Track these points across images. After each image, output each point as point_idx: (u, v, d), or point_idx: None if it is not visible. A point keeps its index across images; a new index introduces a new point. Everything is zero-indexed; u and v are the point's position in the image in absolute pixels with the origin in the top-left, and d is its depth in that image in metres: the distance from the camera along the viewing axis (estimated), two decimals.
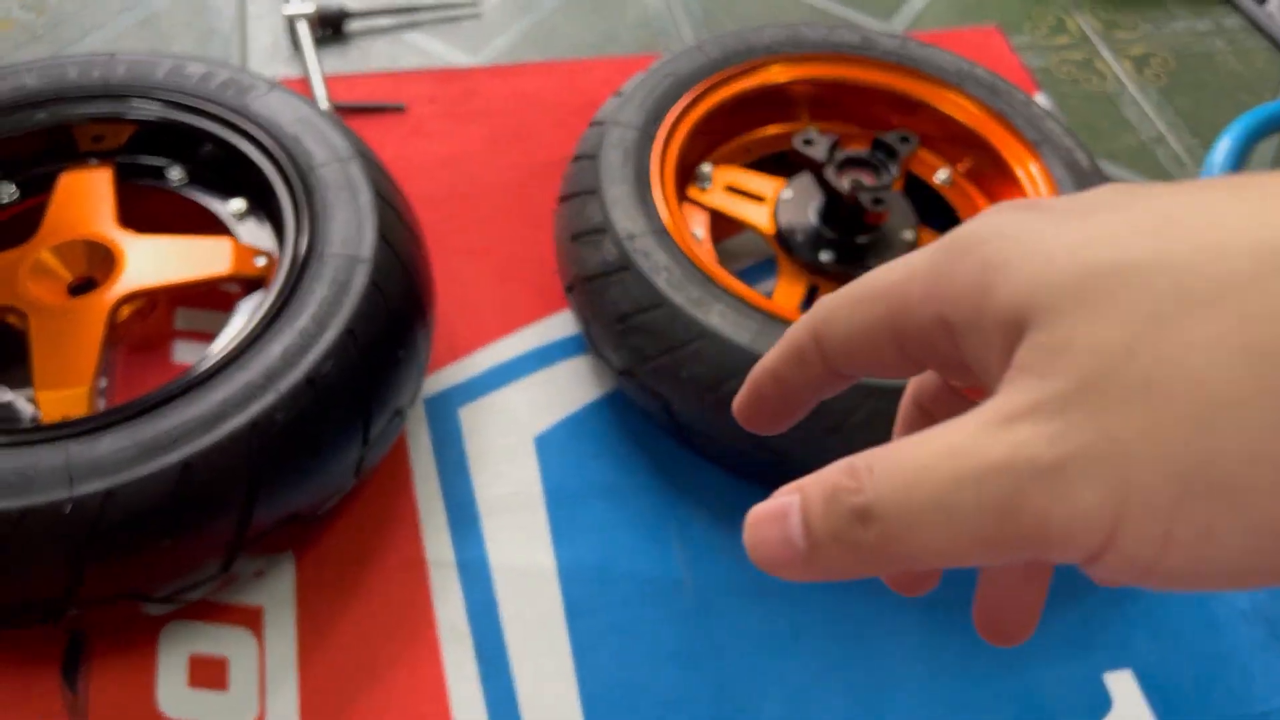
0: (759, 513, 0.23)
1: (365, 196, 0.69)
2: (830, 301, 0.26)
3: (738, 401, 0.29)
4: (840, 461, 0.22)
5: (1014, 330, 0.21)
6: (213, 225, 0.74)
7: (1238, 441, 0.18)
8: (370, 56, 1.03)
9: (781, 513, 0.22)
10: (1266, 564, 0.19)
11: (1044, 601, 0.28)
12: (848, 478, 0.21)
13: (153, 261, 0.69)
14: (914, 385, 0.30)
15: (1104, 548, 0.19)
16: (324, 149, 0.71)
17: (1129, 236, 0.20)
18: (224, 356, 0.60)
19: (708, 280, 0.68)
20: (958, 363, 0.23)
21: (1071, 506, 0.19)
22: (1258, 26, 1.16)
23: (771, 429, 0.29)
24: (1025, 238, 0.21)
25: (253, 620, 0.65)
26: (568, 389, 0.77)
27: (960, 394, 0.29)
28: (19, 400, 0.62)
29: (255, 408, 0.59)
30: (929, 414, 0.29)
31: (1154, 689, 0.65)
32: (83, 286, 0.70)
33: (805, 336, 0.26)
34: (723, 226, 0.83)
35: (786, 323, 0.66)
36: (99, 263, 0.70)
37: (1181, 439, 0.18)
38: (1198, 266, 0.19)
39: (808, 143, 0.77)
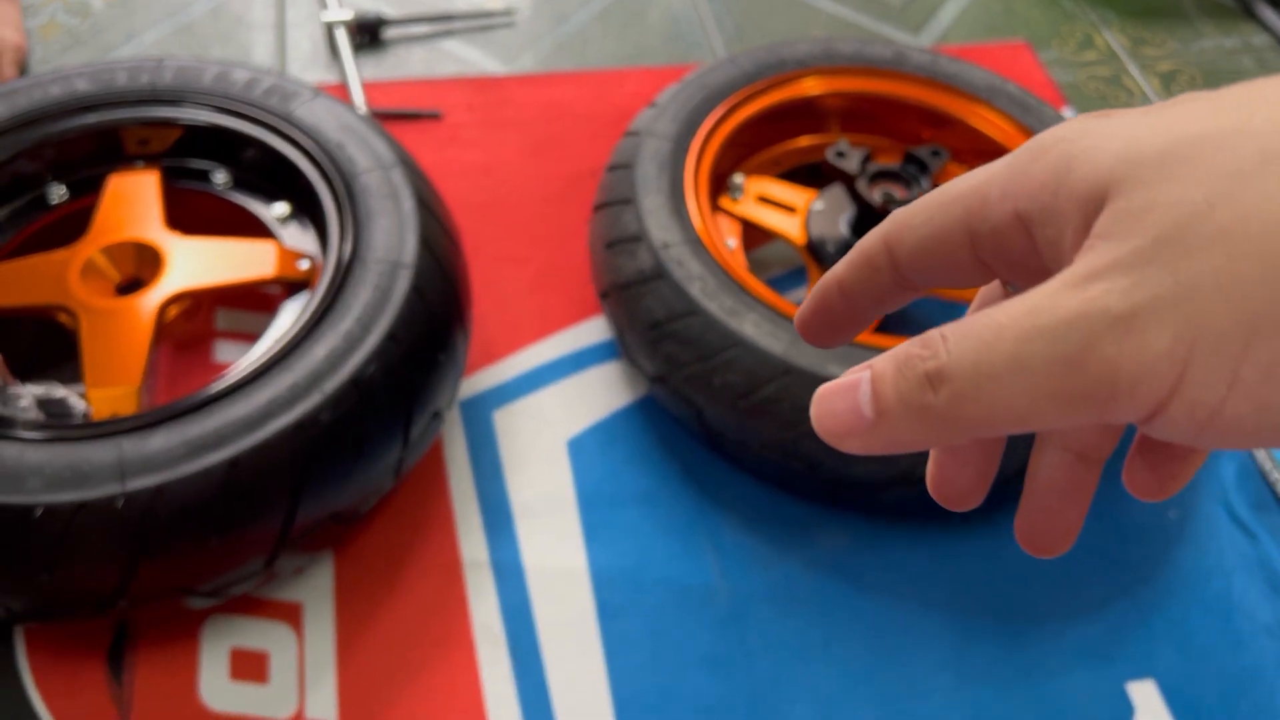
0: (829, 387, 0.23)
1: (408, 203, 0.70)
2: (905, 210, 0.26)
3: (801, 313, 0.28)
4: (916, 337, 0.22)
5: (1093, 206, 0.21)
6: (257, 228, 0.76)
7: None
8: (407, 64, 1.05)
9: (852, 385, 0.22)
10: None
11: (1084, 517, 0.28)
12: (921, 347, 0.21)
13: (199, 263, 0.71)
14: (979, 302, 0.30)
15: (1169, 395, 0.19)
16: (367, 156, 0.73)
17: (1212, 113, 0.21)
18: (270, 358, 0.62)
19: (741, 290, 0.69)
20: (1032, 265, 0.23)
21: (1140, 353, 0.19)
22: None
23: (831, 341, 0.29)
24: (1106, 130, 0.22)
25: (293, 616, 0.66)
26: (600, 394, 0.78)
27: None
28: (71, 396, 0.64)
29: (300, 408, 0.60)
30: None
31: (1178, 701, 0.66)
32: (131, 286, 0.71)
33: (878, 245, 0.26)
34: (754, 236, 0.84)
35: None
36: (146, 264, 0.71)
37: (1255, 279, 0.18)
38: (1275, 129, 0.20)
39: (840, 155, 0.78)
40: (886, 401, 0.21)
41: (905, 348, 0.21)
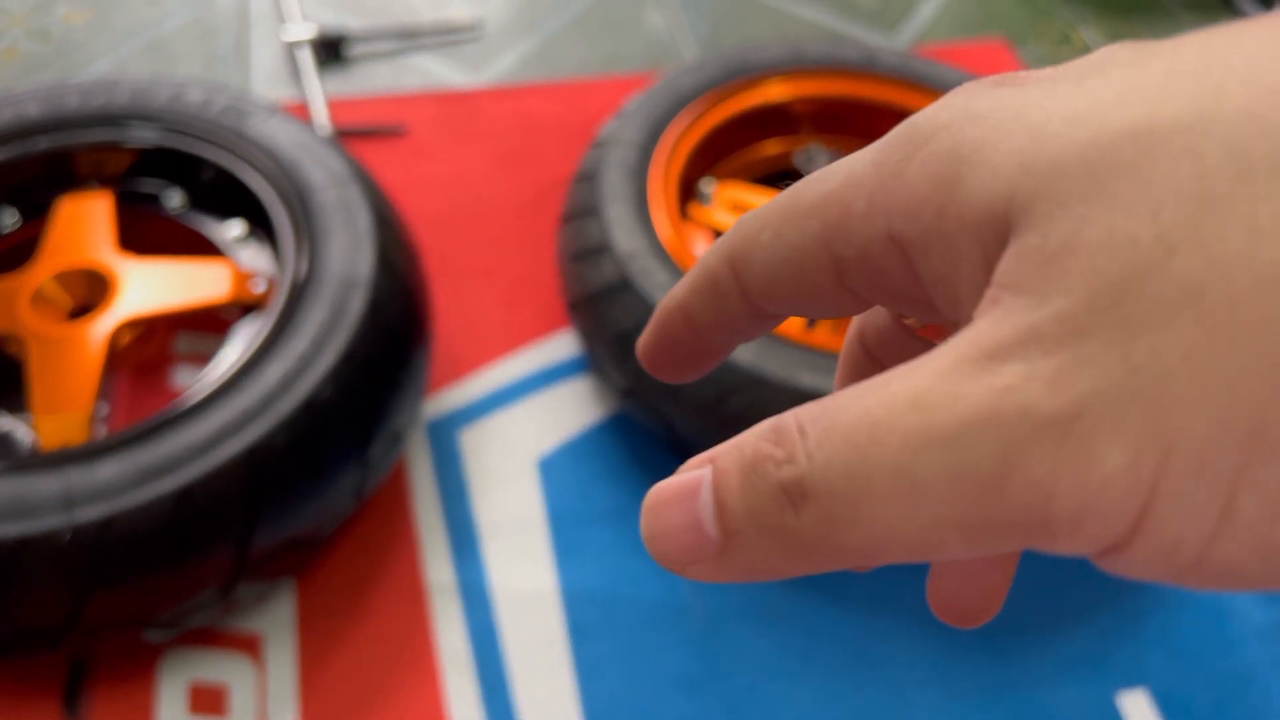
0: (660, 492, 0.17)
1: (363, 220, 0.69)
2: (750, 221, 0.20)
3: (642, 342, 0.23)
4: (765, 422, 0.16)
5: (993, 236, 0.15)
6: (212, 250, 0.74)
7: None
8: (372, 79, 1.03)
9: (689, 491, 0.17)
10: None
11: (1011, 580, 0.23)
12: (773, 443, 0.16)
13: (151, 287, 0.69)
14: (858, 325, 0.24)
15: (1131, 531, 0.14)
16: (322, 173, 0.71)
17: (1159, 86, 0.15)
18: (222, 382, 0.60)
19: None
20: (914, 294, 0.18)
21: (1084, 475, 0.13)
22: None
23: (680, 376, 0.23)
24: (1004, 115, 0.16)
25: (253, 647, 0.64)
26: (570, 410, 0.76)
27: (918, 336, 0.23)
28: (18, 427, 0.62)
29: (253, 433, 0.58)
30: (878, 362, 0.23)
31: (1170, 707, 0.64)
32: (82, 311, 0.70)
33: (720, 265, 0.20)
34: None
35: (787, 340, 0.65)
36: (98, 289, 0.70)
37: (1251, 369, 0.13)
38: (1263, 120, 0.14)
39: (809, 159, 0.76)
40: (734, 519, 0.16)
41: (755, 440, 0.16)
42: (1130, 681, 0.65)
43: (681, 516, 0.17)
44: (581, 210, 0.74)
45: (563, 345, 0.80)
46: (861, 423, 0.15)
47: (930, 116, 0.17)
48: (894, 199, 0.17)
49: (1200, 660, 0.66)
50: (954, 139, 0.16)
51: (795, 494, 0.15)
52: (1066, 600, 0.68)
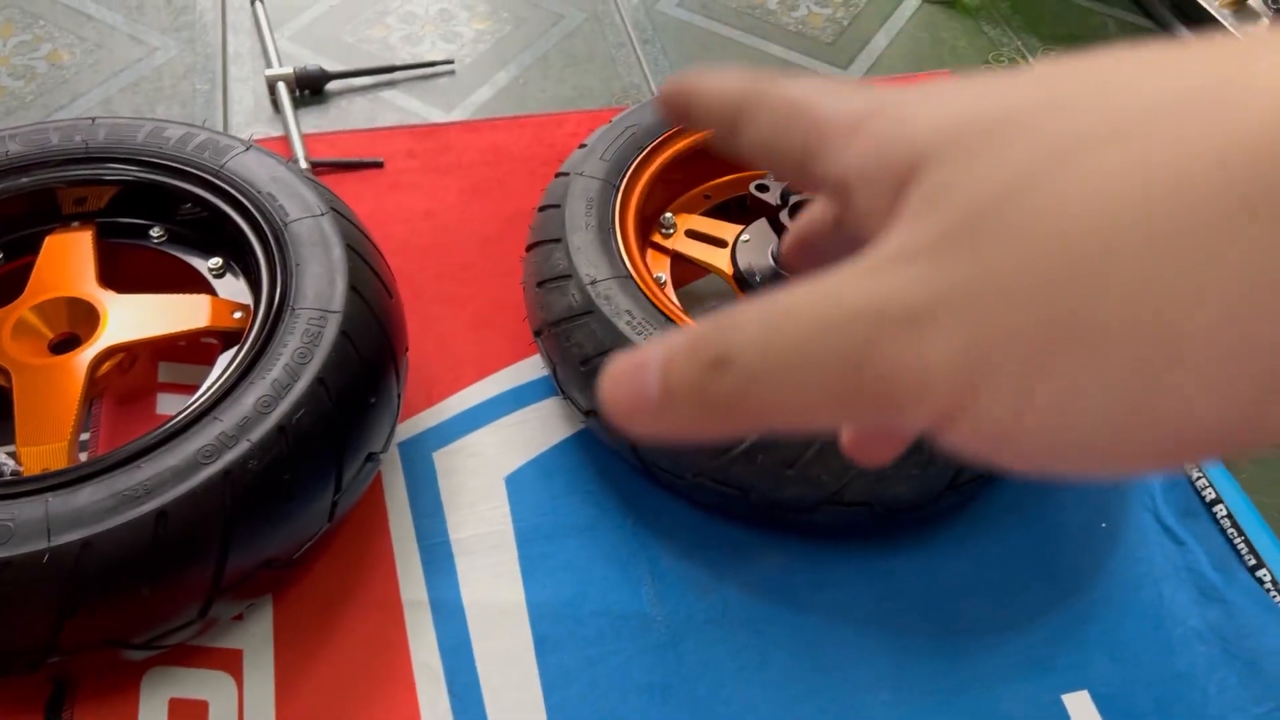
0: (619, 364, 0.21)
1: (337, 250, 0.71)
2: (766, 90, 0.24)
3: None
4: (708, 316, 0.20)
5: (903, 179, 0.19)
6: (192, 281, 0.77)
7: (1119, 290, 0.16)
8: (349, 115, 1.07)
9: (645, 362, 0.20)
10: (1124, 438, 0.17)
11: (902, 449, 0.28)
12: (715, 327, 0.20)
13: (131, 318, 0.72)
14: (802, 226, 0.30)
15: (957, 408, 0.17)
16: (297, 205, 0.74)
17: (1027, 84, 0.19)
18: (198, 408, 0.63)
19: (668, 322, 0.70)
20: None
21: (923, 357, 0.17)
22: None
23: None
24: (942, 95, 0.20)
25: (232, 663, 0.66)
26: (538, 430, 0.79)
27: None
28: (3, 458, 0.64)
29: (229, 456, 0.61)
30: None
31: (1112, 709, 0.67)
32: (65, 344, 0.72)
33: (744, 92, 0.25)
34: (687, 271, 0.85)
35: None
36: (80, 320, 0.72)
37: (1056, 282, 0.16)
38: (1098, 106, 0.18)
39: (761, 188, 0.80)
40: (674, 383, 0.20)
41: (698, 325, 0.20)
42: (1075, 684, 0.68)
43: (631, 381, 0.20)
44: (546, 238, 0.77)
45: (530, 369, 0.83)
46: (780, 308, 0.19)
47: (893, 93, 0.22)
48: (851, 148, 0.21)
49: (1140, 661, 0.69)
50: (903, 112, 0.21)
51: (720, 363, 0.19)
52: (1015, 607, 0.71)
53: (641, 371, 0.20)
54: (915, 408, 0.18)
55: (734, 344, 0.19)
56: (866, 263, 0.19)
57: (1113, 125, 0.17)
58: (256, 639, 0.67)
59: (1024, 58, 1.19)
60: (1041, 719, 0.67)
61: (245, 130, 1.03)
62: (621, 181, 0.81)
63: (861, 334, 0.18)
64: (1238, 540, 0.75)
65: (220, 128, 1.04)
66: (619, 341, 0.70)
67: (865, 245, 0.20)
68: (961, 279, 0.17)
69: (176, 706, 0.64)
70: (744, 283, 0.82)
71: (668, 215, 0.86)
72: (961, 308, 0.17)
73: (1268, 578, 0.73)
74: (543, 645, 0.68)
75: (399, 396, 0.72)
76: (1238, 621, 0.71)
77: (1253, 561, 0.74)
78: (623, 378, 0.21)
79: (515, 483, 0.76)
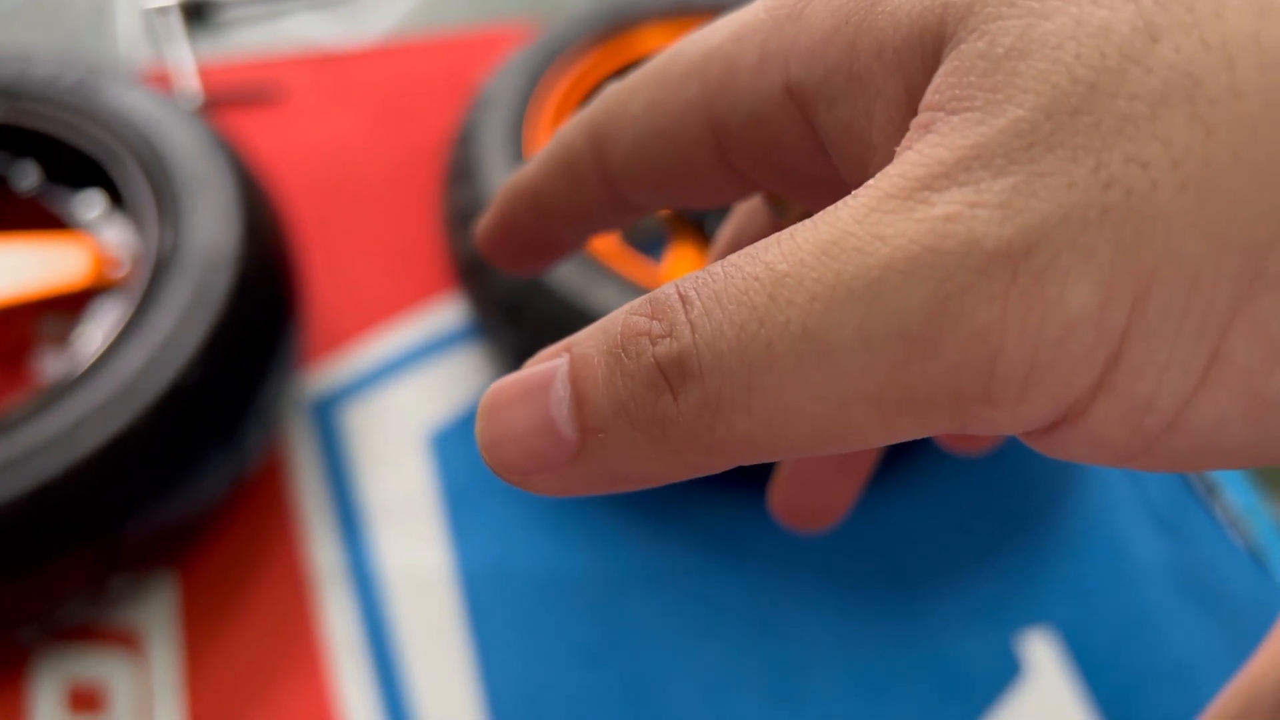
0: (501, 390, 0.14)
1: (229, 192, 0.65)
2: (618, 90, 0.17)
3: (481, 225, 0.20)
4: (641, 297, 0.13)
5: (920, 59, 0.12)
6: (71, 229, 0.70)
7: None
8: (244, 45, 0.99)
9: (539, 385, 0.13)
10: None
11: (861, 488, 0.20)
12: (648, 316, 0.12)
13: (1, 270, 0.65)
14: (732, 231, 0.20)
15: (1094, 388, 0.11)
16: (184, 144, 0.67)
17: None
18: (80, 369, 0.57)
19: (592, 260, 0.66)
20: (807, 169, 0.15)
21: (1042, 320, 0.10)
22: None
23: (520, 267, 0.20)
24: None
25: (134, 641, 0.61)
26: (462, 380, 0.74)
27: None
28: None
29: (115, 422, 0.55)
30: None
31: (1069, 647, 0.65)
32: None
33: (580, 140, 0.17)
34: None
35: None
36: None
37: (1259, 178, 0.10)
38: None
39: None
40: (595, 414, 0.13)
41: (625, 315, 0.13)
42: (1030, 622, 0.66)
43: (527, 418, 0.13)
44: (458, 173, 0.72)
45: (450, 313, 0.78)
46: (761, 280, 0.11)
47: None
48: (794, 43, 0.14)
49: (1097, 599, 0.67)
50: None
51: (674, 374, 0.12)
52: (969, 550, 0.69)
53: (540, 401, 0.13)
54: (1021, 400, 0.11)
55: (692, 341, 0.12)
56: (896, 184, 0.11)
57: None
58: (159, 614, 0.62)
59: None
60: (998, 660, 0.64)
61: (130, 63, 0.95)
62: (533, 108, 0.75)
63: (929, 292, 0.11)
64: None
65: (103, 60, 0.95)
66: (540, 283, 0.65)
67: (833, 192, 0.14)
68: (1091, 188, 0.10)
69: (75, 688, 0.59)
70: (679, 219, 0.77)
71: None
72: (1098, 233, 0.10)
73: (1222, 512, 0.71)
74: (473, 612, 0.63)
75: (304, 349, 0.67)
76: (1196, 554, 0.69)
77: (1205, 492, 0.72)
78: (510, 414, 0.13)
79: (440, 439, 0.71)
